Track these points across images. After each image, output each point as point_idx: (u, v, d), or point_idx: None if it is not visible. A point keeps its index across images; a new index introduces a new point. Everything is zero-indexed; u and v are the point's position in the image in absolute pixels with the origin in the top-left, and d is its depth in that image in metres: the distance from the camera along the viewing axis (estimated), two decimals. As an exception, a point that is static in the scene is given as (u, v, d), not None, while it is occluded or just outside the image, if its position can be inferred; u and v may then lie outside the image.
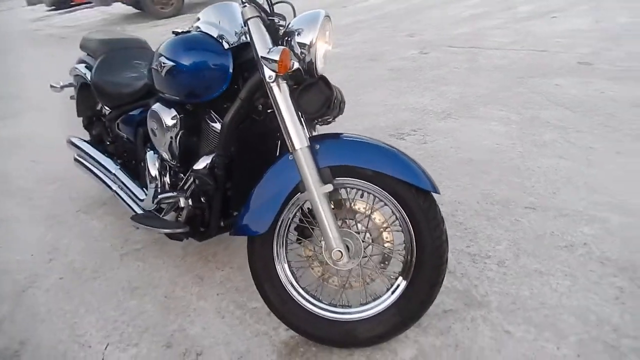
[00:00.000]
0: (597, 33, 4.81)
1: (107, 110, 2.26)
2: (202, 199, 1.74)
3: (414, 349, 1.53)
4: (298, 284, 1.58)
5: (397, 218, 1.51)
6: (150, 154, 1.89)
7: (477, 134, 2.94)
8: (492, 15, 6.15)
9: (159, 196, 1.73)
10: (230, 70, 1.57)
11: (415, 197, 1.44)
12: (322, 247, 1.57)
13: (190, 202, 1.72)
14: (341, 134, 1.55)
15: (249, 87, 1.55)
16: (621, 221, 2.00)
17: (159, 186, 1.87)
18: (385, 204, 1.51)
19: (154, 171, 1.86)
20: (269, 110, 1.67)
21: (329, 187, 1.44)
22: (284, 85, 1.43)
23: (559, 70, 3.89)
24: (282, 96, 1.43)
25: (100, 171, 2.22)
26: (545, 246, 1.90)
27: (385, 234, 1.56)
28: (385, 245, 1.55)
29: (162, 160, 1.88)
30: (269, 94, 1.45)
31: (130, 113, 2.11)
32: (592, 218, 2.03)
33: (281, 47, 1.34)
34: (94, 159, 2.25)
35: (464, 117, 3.23)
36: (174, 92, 1.69)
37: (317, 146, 1.45)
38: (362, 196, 1.56)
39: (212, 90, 1.60)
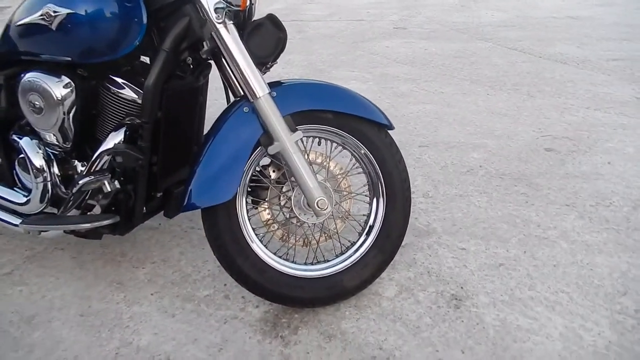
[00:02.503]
0: (396, 4, 5.45)
1: None
2: (124, 181, 1.42)
3: (393, 286, 1.54)
4: (269, 250, 1.43)
5: (357, 160, 1.48)
6: (26, 142, 1.45)
7: (343, 93, 3.06)
8: (299, -8, 6.42)
9: (81, 181, 1.34)
10: (145, 19, 1.29)
11: (378, 133, 1.43)
12: (282, 205, 1.46)
13: (117, 185, 1.38)
14: (285, 80, 1.45)
15: (174, 35, 1.30)
16: (495, 144, 2.33)
17: (49, 179, 1.46)
18: (344, 148, 1.47)
19: (38, 162, 1.43)
20: (192, 66, 1.44)
21: (299, 135, 1.33)
22: (232, 26, 1.25)
23: (382, 34, 4.30)
24: (232, 39, 1.25)
25: None
26: (452, 174, 2.11)
27: (343, 181, 1.51)
28: (346, 190, 1.51)
29: (45, 146, 1.47)
30: (216, 39, 1.25)
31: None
32: (475, 145, 2.32)
33: None
34: None
35: (323, 80, 3.32)
36: (65, 52, 1.32)
37: (274, 93, 1.32)
38: (319, 144, 1.48)
39: (121, 45, 1.30)
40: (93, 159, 1.41)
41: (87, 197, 1.46)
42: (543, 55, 3.50)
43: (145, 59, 1.46)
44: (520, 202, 1.89)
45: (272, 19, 1.34)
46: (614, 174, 2.02)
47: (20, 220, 1.48)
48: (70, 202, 1.44)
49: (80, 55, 1.33)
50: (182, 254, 1.74)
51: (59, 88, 1.36)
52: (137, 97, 1.37)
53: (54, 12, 1.25)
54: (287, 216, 1.46)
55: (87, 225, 1.38)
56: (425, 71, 3.34)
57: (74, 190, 1.36)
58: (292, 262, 1.45)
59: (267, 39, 1.33)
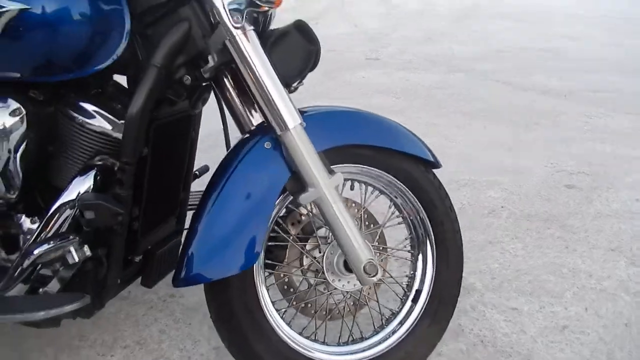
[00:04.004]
0: (362, 35, 5.33)
1: None
2: (95, 245, 1.04)
3: (444, 363, 1.23)
4: (293, 330, 1.09)
5: (398, 207, 1.18)
6: (-49, 191, 1.05)
7: (328, 125, 2.79)
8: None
9: (36, 251, 0.94)
10: (129, 24, 0.96)
11: (425, 174, 1.16)
12: (306, 268, 1.12)
13: (88, 252, 0.99)
14: (310, 107, 1.16)
15: (168, 46, 0.97)
16: (510, 180, 2.11)
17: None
18: (382, 193, 1.17)
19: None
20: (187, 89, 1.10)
21: (340, 178, 1.02)
22: (253, 33, 0.94)
23: (356, 65, 4.11)
24: (255, 50, 0.94)
25: None
26: (473, 216, 1.85)
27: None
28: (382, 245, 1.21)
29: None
30: (233, 51, 0.93)
31: None
32: (489, 182, 2.09)
33: None
34: None
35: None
36: (13, 65, 0.96)
37: (304, 123, 1.01)
38: (352, 188, 1.18)
39: (94, 58, 0.96)
40: (49, 214, 1.02)
41: (39, 268, 1.06)
42: (527, 87, 3.41)
43: (118, 79, 1.12)
44: (559, 248, 1.65)
45: (300, 28, 1.04)
46: (648, 212, 1.84)
47: None
48: (15, 276, 1.04)
49: (35, 71, 0.97)
50: (163, 332, 1.34)
51: (4, 116, 0.99)
52: (110, 128, 1.03)
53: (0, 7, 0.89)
54: (313, 282, 1.13)
55: (41, 314, 0.97)
56: (412, 102, 3.14)
57: (26, 262, 0.96)
58: (323, 343, 1.11)
59: (294, 52, 1.04)
